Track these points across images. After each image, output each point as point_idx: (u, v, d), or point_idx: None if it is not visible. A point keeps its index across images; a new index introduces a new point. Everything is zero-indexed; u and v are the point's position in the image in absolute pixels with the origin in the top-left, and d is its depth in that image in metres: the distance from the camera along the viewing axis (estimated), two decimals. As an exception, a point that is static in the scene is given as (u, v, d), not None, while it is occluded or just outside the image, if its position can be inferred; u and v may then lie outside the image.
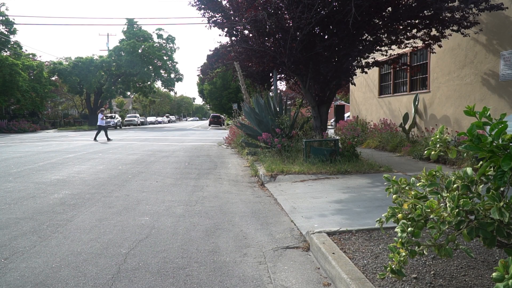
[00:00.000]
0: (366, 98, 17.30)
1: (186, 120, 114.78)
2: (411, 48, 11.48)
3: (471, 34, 10.11)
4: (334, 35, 9.40)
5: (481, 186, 2.61)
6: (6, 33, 34.35)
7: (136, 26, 46.17)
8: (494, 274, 1.93)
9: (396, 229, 2.69)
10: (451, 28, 9.55)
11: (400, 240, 2.61)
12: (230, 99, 45.87)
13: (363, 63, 11.36)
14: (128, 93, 57.22)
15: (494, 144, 2.42)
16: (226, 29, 10.84)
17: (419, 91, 13.15)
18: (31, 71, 36.25)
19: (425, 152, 2.89)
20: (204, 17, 10.76)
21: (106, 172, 9.19)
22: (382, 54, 11.44)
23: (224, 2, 10.58)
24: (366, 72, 11.90)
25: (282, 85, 26.86)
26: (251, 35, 10.81)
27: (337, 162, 8.83)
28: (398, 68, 13.76)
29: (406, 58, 13.70)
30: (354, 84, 12.82)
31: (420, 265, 3.19)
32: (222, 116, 51.84)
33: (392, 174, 7.93)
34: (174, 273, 3.47)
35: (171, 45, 49.82)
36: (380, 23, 9.68)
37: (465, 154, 2.69)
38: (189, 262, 3.71)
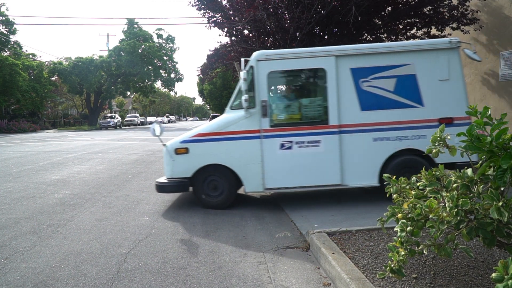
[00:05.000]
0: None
1: (186, 120, 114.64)
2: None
3: (471, 33, 10.11)
4: (334, 35, 9.40)
5: (481, 186, 2.61)
6: (6, 33, 34.34)
7: (136, 26, 46.13)
8: (494, 274, 1.93)
9: (395, 228, 2.69)
10: (450, 26, 9.55)
11: (399, 239, 2.61)
12: (230, 99, 45.81)
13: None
14: (128, 93, 57.14)
15: (493, 144, 2.42)
16: (226, 29, 10.85)
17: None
18: (31, 71, 36.23)
19: (425, 150, 2.89)
20: (204, 17, 10.78)
21: (106, 172, 9.19)
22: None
23: (224, 2, 10.59)
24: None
25: (282, 85, 26.79)
26: (251, 35, 10.81)
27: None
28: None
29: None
30: None
31: (420, 265, 3.19)
32: (222, 116, 51.72)
33: (392, 174, 7.93)
34: (174, 273, 3.47)
35: (171, 45, 49.77)
36: (379, 22, 9.68)
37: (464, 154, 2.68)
38: (189, 262, 3.71)
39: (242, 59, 5.93)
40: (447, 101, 5.52)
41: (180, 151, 5.74)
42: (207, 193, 5.82)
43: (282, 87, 6.51)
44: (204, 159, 5.71)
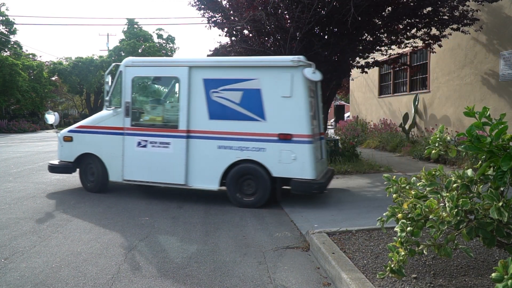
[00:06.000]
0: (366, 98, 17.29)
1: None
2: (411, 48, 11.47)
3: (471, 33, 10.11)
4: (334, 35, 9.39)
5: (481, 186, 2.61)
6: (6, 33, 34.28)
7: (136, 26, 46.11)
8: (493, 274, 1.93)
9: (395, 229, 2.69)
10: (450, 27, 9.54)
11: (399, 239, 2.61)
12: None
13: (363, 63, 11.34)
14: (128, 93, 57.15)
15: (493, 144, 2.42)
16: (225, 29, 10.82)
17: (419, 91, 13.15)
18: (31, 71, 36.19)
19: (425, 151, 2.89)
20: (204, 17, 10.75)
21: (106, 172, 9.18)
22: (382, 54, 11.42)
23: (224, 2, 10.57)
24: (366, 72, 11.88)
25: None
26: (250, 35, 10.79)
27: (337, 162, 8.83)
28: (398, 68, 13.74)
29: (406, 58, 13.68)
30: (353, 79, 12.79)
31: (420, 265, 3.20)
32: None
33: (392, 174, 7.94)
34: (174, 273, 3.47)
35: (171, 45, 49.74)
36: (379, 23, 9.67)
37: (464, 154, 2.68)
38: (189, 262, 3.71)
39: (113, 64, 6.82)
40: (288, 118, 5.68)
41: (67, 138, 6.75)
42: (87, 178, 6.72)
43: (145, 91, 7.18)
44: (82, 148, 6.62)
